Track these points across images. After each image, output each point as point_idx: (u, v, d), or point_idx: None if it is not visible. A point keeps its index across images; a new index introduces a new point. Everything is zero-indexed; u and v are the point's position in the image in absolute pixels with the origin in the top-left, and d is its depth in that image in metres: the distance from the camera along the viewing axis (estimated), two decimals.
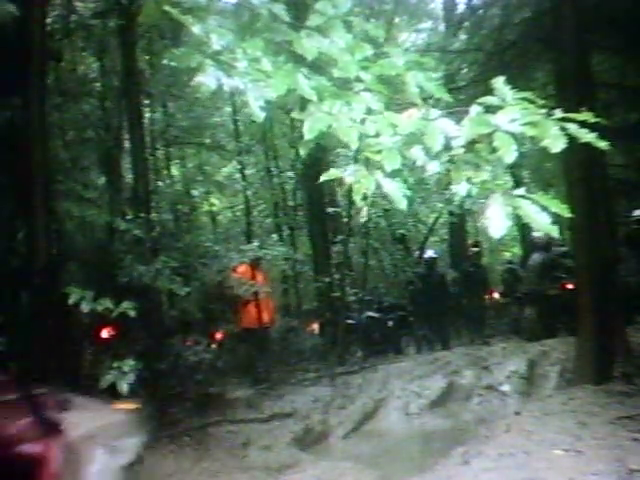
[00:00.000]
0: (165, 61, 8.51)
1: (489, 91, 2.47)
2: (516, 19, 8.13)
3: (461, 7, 12.33)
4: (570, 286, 8.28)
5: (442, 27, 13.84)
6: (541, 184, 13.51)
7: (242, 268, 8.62)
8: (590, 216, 6.29)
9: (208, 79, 2.48)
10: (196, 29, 2.52)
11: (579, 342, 6.42)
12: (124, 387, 5.12)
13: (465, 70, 9.10)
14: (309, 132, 2.48)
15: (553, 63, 7.27)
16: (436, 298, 10.33)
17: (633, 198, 8.76)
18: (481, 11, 9.13)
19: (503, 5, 8.31)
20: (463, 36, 9.70)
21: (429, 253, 11.38)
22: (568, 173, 6.53)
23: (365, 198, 2.50)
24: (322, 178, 2.56)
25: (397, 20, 15.00)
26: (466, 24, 9.65)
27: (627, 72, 8.40)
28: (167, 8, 2.57)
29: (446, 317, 10.69)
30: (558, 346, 7.78)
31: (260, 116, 2.52)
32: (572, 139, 2.34)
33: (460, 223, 14.18)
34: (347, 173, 2.46)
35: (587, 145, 2.43)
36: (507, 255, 17.00)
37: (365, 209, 10.35)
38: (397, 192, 2.43)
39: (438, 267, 11.29)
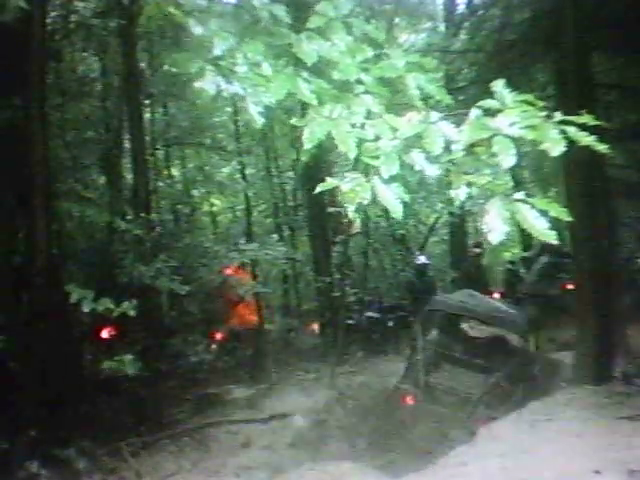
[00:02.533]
0: (166, 66, 8.47)
1: (489, 92, 2.46)
2: (516, 20, 8.13)
3: (461, 7, 12.34)
4: (570, 286, 8.28)
5: (442, 27, 13.81)
6: (541, 184, 13.52)
7: (230, 270, 8.65)
8: (590, 216, 6.29)
9: (208, 85, 2.47)
10: (198, 30, 2.51)
11: (579, 342, 6.42)
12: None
13: (465, 70, 9.10)
14: (309, 141, 2.43)
15: (553, 64, 7.27)
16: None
17: (633, 198, 8.74)
18: (481, 12, 9.13)
19: (503, 6, 8.31)
20: (463, 37, 9.69)
21: (421, 259, 11.40)
22: (568, 173, 6.53)
23: (359, 210, 2.43)
24: (318, 189, 2.48)
25: (397, 20, 14.98)
26: (466, 25, 9.65)
27: (627, 73, 8.39)
28: (171, 9, 2.56)
29: None
30: None
31: (259, 121, 2.50)
32: (572, 142, 2.32)
33: (460, 223, 14.17)
34: (345, 181, 2.38)
35: (587, 146, 2.42)
36: (507, 255, 16.96)
37: (358, 222, 10.34)
38: (393, 200, 2.37)
39: (430, 273, 11.35)
